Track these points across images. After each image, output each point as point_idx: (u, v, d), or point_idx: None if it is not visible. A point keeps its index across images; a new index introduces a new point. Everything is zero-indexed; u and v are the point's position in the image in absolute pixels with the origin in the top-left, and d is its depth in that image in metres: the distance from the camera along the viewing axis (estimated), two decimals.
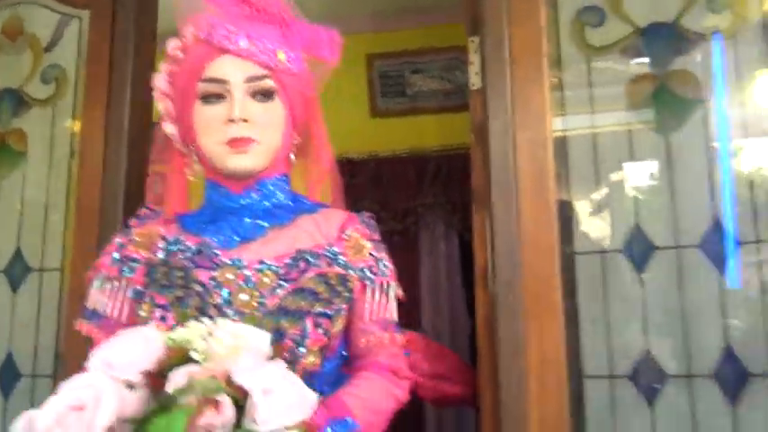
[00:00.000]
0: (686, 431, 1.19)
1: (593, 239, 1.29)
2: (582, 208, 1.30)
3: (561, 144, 1.29)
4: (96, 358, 0.67)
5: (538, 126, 1.24)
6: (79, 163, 1.42)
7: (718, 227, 1.23)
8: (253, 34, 0.89)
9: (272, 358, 0.72)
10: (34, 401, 1.37)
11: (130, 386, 0.64)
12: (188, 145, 0.95)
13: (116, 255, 0.93)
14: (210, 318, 0.80)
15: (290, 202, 0.98)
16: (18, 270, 1.45)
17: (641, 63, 1.29)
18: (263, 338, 0.71)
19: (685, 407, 1.20)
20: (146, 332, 0.71)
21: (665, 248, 1.24)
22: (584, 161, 1.29)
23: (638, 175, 1.29)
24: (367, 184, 3.09)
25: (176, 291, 0.86)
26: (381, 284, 0.95)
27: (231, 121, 0.88)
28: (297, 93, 0.94)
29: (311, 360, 0.87)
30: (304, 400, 0.66)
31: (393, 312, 0.95)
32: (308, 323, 0.87)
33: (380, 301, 0.93)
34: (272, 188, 0.96)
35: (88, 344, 0.87)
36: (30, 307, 1.42)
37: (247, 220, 0.93)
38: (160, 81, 0.95)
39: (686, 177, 1.25)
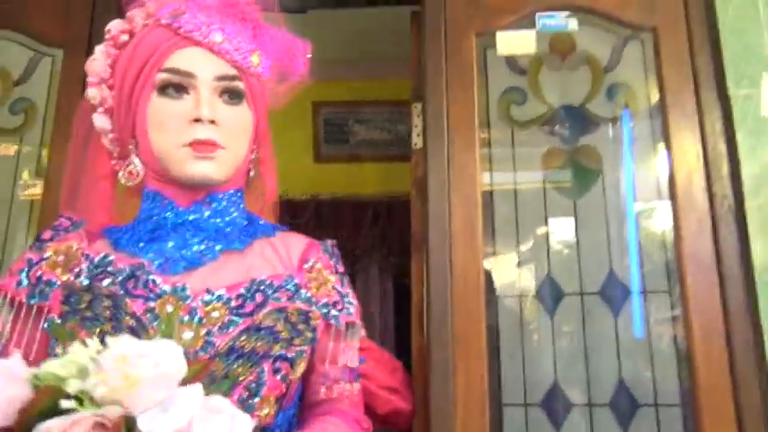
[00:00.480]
0: None
1: (513, 285, 1.50)
2: (504, 257, 1.51)
3: (488, 201, 1.50)
4: None
5: (470, 185, 1.45)
6: (44, 192, 1.48)
7: (613, 277, 1.47)
8: (227, 30, 0.78)
9: (186, 381, 0.53)
10: None
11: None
12: (125, 143, 0.79)
13: (24, 275, 0.73)
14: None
15: (244, 222, 0.83)
16: None
17: (555, 137, 1.55)
18: (172, 355, 0.51)
19: (587, 431, 1.40)
20: (7, 366, 0.51)
21: (571, 294, 1.47)
22: (507, 217, 1.51)
23: (551, 230, 1.52)
24: (307, 226, 3.22)
25: (103, 324, 0.69)
26: (347, 325, 0.82)
27: (197, 120, 0.74)
28: (262, 102, 0.83)
29: (265, 412, 0.73)
30: None
31: (356, 357, 0.83)
32: (266, 368, 0.73)
33: (345, 345, 0.81)
34: (225, 204, 0.81)
35: None
36: None
37: (195, 240, 0.77)
38: (98, 65, 0.80)
39: (589, 234, 1.49)
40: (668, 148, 1.45)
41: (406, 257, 1.54)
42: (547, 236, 1.52)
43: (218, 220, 0.80)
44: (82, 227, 0.77)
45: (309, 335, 0.79)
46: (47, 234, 0.77)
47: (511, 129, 1.55)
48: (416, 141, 1.58)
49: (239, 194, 0.83)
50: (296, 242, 0.85)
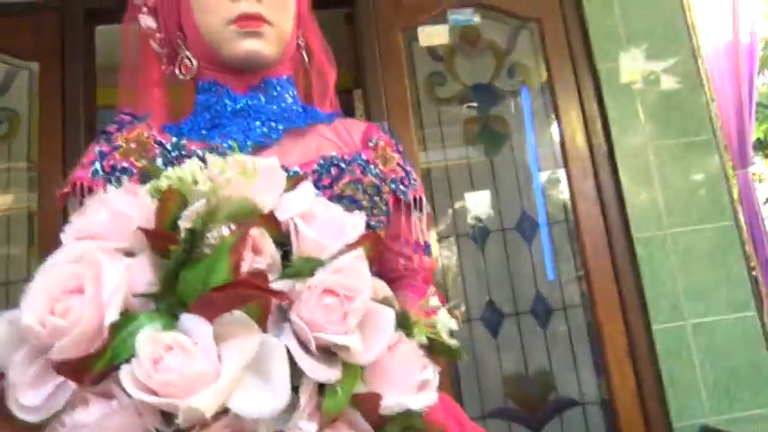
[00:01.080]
0: (519, 352, 1.80)
1: (451, 231, 1.88)
2: (441, 210, 1.89)
3: (426, 174, 1.87)
4: (71, 231, 0.47)
5: (409, 161, 1.80)
6: (39, 191, 1.67)
7: (526, 216, 1.88)
8: None
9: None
10: None
11: (129, 254, 0.44)
12: (173, 40, 0.77)
13: (98, 165, 0.70)
14: None
15: (299, 109, 0.81)
16: None
17: (472, 110, 1.94)
18: (275, 163, 0.51)
19: (516, 335, 1.81)
20: (125, 187, 0.50)
21: (495, 231, 1.87)
22: (442, 186, 1.89)
23: (475, 186, 1.91)
24: None
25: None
26: (414, 199, 0.81)
27: None
28: None
29: None
30: (350, 218, 0.51)
31: (426, 231, 0.82)
32: None
33: (414, 219, 0.81)
34: (279, 89, 0.78)
35: None
36: None
37: (257, 123, 0.76)
38: None
39: (504, 184, 1.90)
40: (556, 113, 1.88)
41: None
42: (472, 190, 1.91)
43: (274, 107, 0.77)
44: (146, 119, 0.74)
45: (383, 207, 0.77)
46: (112, 128, 0.74)
47: (436, 107, 1.92)
48: None
49: (291, 81, 0.81)
50: (356, 124, 0.84)
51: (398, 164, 0.81)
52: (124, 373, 0.36)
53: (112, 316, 0.38)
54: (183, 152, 0.70)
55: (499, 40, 1.98)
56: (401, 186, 0.80)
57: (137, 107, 0.77)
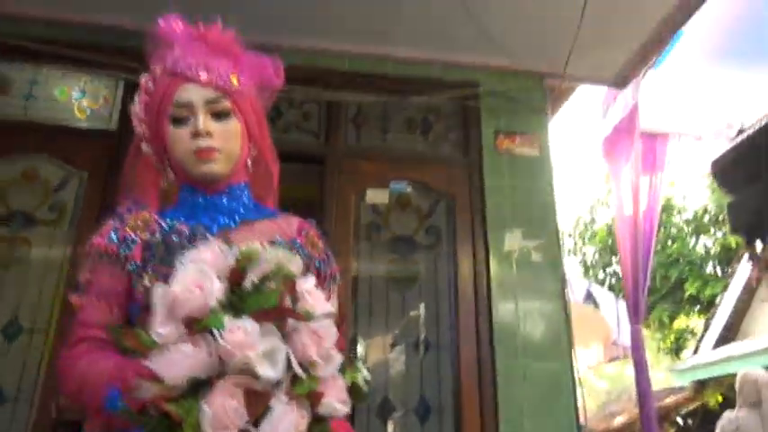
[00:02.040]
0: None
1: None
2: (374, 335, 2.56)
3: (356, 287, 2.55)
4: (192, 261, 0.78)
5: (345, 279, 2.49)
6: (68, 273, 2.29)
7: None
8: (210, 65, 1.02)
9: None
10: None
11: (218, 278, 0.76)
12: (162, 159, 1.06)
13: (113, 235, 0.98)
14: None
15: (251, 205, 1.08)
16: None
17: (395, 254, 2.66)
18: (299, 260, 0.84)
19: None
20: (210, 244, 0.84)
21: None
22: (367, 299, 2.57)
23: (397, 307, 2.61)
24: None
25: (177, 263, 0.90)
26: (332, 275, 1.09)
27: (197, 134, 0.99)
28: (249, 111, 1.06)
29: None
30: (325, 301, 0.83)
31: (335, 303, 1.02)
32: None
33: (329, 292, 1.04)
34: (238, 192, 1.06)
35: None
36: None
37: (219, 215, 1.04)
38: (137, 109, 1.06)
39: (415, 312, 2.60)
40: (455, 264, 2.61)
41: None
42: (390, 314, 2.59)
43: (234, 204, 1.05)
44: (146, 208, 1.03)
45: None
46: (123, 209, 1.02)
47: (371, 246, 2.65)
48: None
49: (246, 186, 1.08)
50: (293, 219, 1.11)
51: (322, 249, 1.10)
52: (216, 333, 0.70)
53: (213, 303, 0.74)
54: (175, 230, 0.99)
55: (424, 206, 2.76)
56: (324, 266, 1.08)
57: (139, 199, 1.06)
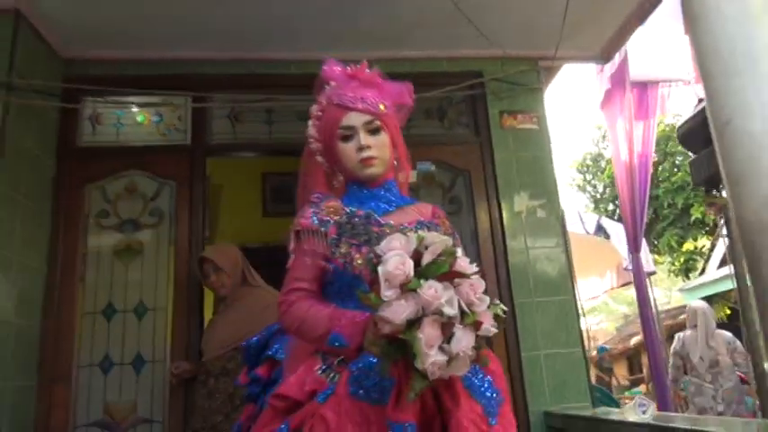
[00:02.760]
0: None
1: None
2: None
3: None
4: (390, 249, 1.04)
5: None
6: (175, 262, 2.93)
7: None
8: (364, 96, 1.34)
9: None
10: None
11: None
12: (333, 167, 1.39)
13: (314, 218, 1.28)
14: None
15: (399, 195, 1.40)
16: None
17: None
18: (448, 240, 1.09)
19: None
20: (400, 234, 1.09)
21: None
22: None
23: None
24: (261, 266, 3.59)
25: (362, 236, 1.24)
26: (458, 245, 1.25)
27: (360, 148, 1.31)
28: (393, 126, 1.37)
29: None
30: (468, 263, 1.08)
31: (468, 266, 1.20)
32: None
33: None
34: (390, 186, 1.39)
35: None
36: None
37: (381, 202, 1.35)
38: (312, 131, 1.40)
39: None
40: (475, 221, 3.21)
41: None
42: None
43: (389, 194, 1.37)
44: (332, 198, 1.34)
45: None
46: (315, 199, 1.33)
47: None
48: None
49: (394, 182, 1.41)
50: (427, 205, 1.45)
51: (449, 225, 1.42)
52: (418, 291, 0.98)
53: (411, 273, 1.02)
54: (357, 213, 1.29)
55: (446, 181, 3.33)
56: (452, 239, 1.24)
57: (321, 193, 1.37)
